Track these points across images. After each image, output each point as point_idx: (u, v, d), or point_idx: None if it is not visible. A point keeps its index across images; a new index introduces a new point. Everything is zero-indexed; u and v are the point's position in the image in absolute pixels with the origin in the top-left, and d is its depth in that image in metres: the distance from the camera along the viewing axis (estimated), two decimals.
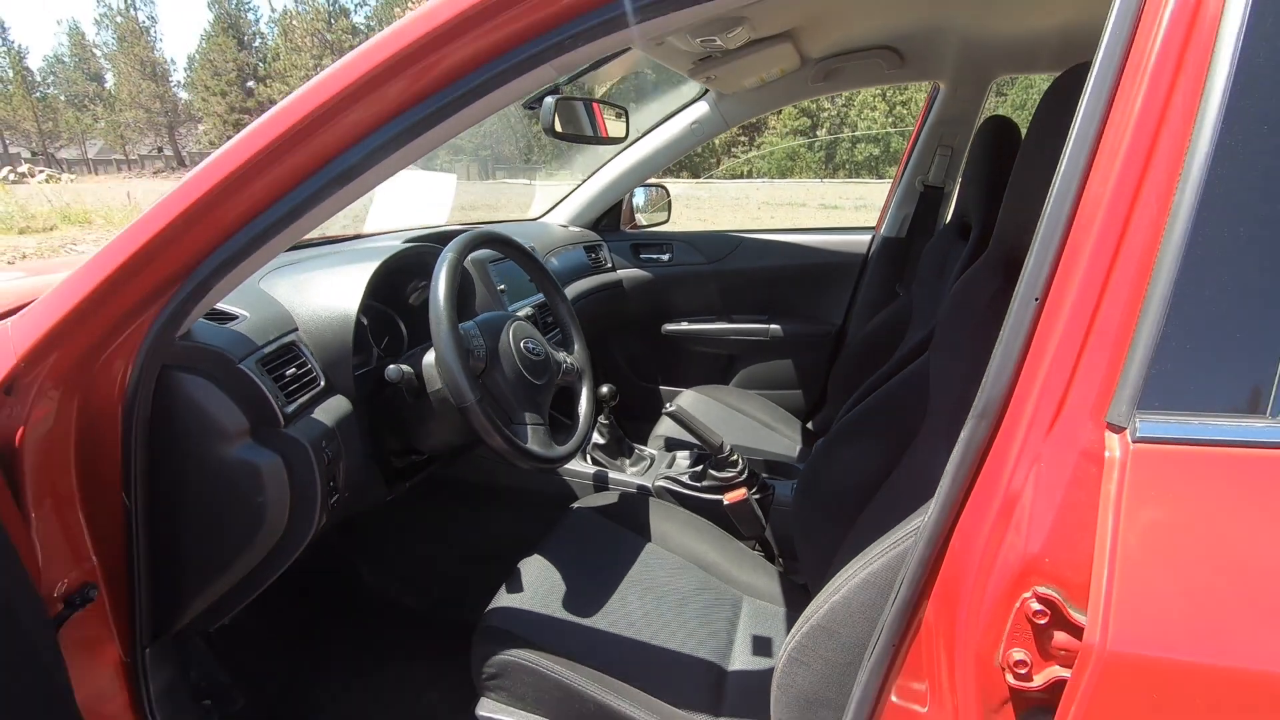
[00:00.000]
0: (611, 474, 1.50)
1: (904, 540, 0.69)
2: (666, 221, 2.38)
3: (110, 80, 44.32)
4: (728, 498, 1.36)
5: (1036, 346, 0.53)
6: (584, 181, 2.19)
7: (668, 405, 1.48)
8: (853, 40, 1.59)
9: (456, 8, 0.67)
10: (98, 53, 44.16)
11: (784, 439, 1.89)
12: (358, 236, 1.57)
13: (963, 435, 0.56)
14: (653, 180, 2.23)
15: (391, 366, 1.04)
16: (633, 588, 1.15)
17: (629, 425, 1.69)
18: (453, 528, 1.56)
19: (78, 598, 0.85)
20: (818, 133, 32.86)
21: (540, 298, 1.56)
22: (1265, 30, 0.47)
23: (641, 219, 2.31)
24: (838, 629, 0.78)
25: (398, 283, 1.25)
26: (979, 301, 0.91)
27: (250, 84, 42.37)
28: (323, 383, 1.01)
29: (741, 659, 1.10)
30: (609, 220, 2.25)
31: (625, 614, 1.09)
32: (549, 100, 1.26)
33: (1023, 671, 0.52)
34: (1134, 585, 0.45)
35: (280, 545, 0.93)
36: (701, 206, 14.14)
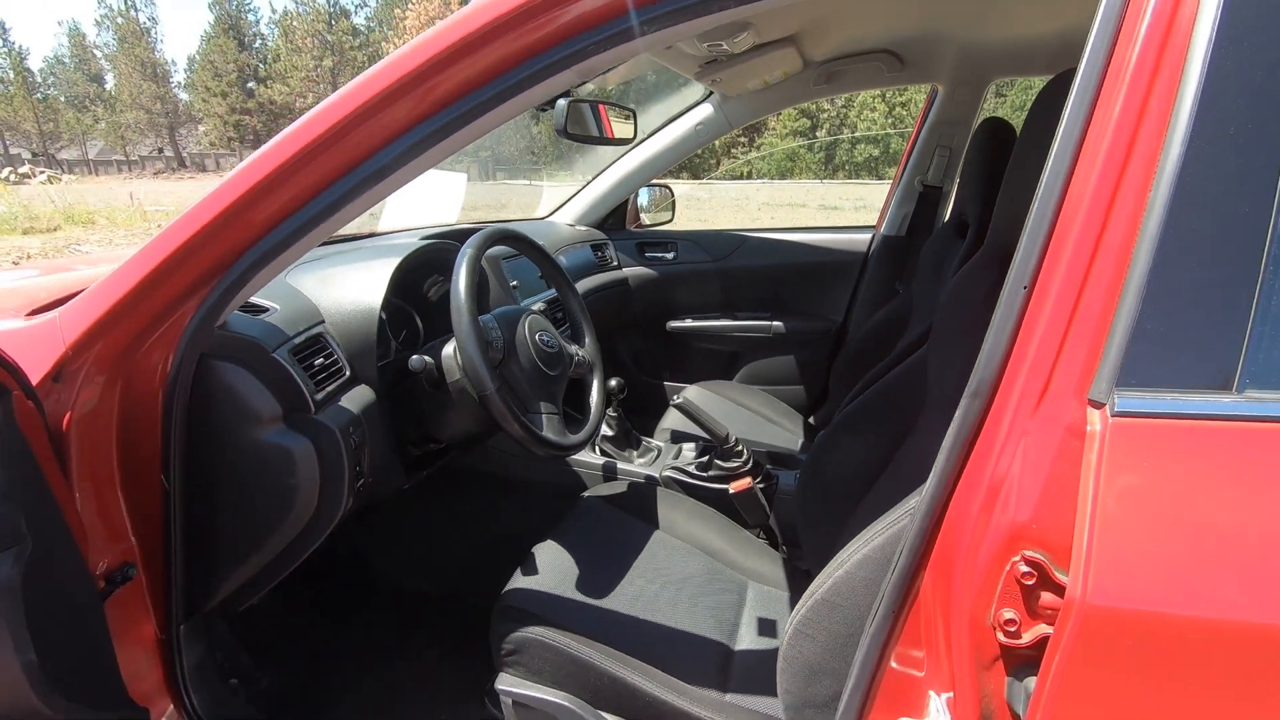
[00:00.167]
0: (620, 465, 1.55)
1: (903, 519, 0.74)
2: (671, 221, 2.43)
3: (111, 81, 44.38)
4: (733, 487, 1.41)
5: (1025, 330, 0.57)
6: (590, 181, 2.23)
7: (674, 398, 1.52)
8: (854, 44, 1.64)
9: (485, 18, 0.72)
10: (98, 54, 44.22)
11: (786, 433, 1.93)
12: (373, 235, 1.61)
13: (957, 414, 0.61)
14: (657, 180, 2.27)
15: (414, 357, 1.09)
16: (642, 572, 1.20)
17: (635, 419, 1.74)
18: (465, 517, 1.61)
19: (118, 575, 0.90)
20: (817, 134, 32.92)
21: (551, 293, 1.61)
22: (1232, 43, 0.51)
23: (646, 218, 2.36)
24: (841, 602, 0.82)
25: (416, 279, 1.30)
26: (975, 296, 0.96)
27: (251, 85, 42.41)
28: (348, 372, 1.05)
29: (747, 639, 1.14)
30: (615, 219, 2.30)
31: (635, 596, 1.13)
32: (561, 103, 1.30)
33: (1012, 630, 0.57)
34: (1111, 545, 0.49)
35: (309, 526, 0.97)
36: (702, 207, 14.19)
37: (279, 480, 0.92)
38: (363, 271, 1.15)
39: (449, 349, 1.13)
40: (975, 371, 0.59)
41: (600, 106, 1.47)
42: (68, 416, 0.83)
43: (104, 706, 0.74)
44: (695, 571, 1.26)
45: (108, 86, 44.70)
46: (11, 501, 0.63)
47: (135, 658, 0.94)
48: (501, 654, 1.01)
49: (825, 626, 0.84)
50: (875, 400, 1.22)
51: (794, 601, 1.31)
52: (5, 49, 41.90)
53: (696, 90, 2.00)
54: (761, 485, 1.43)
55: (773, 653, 0.92)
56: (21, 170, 26.90)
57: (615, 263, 2.24)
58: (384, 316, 1.16)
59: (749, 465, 1.45)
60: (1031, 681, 0.55)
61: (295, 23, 41.41)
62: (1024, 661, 0.58)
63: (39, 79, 44.92)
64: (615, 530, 1.30)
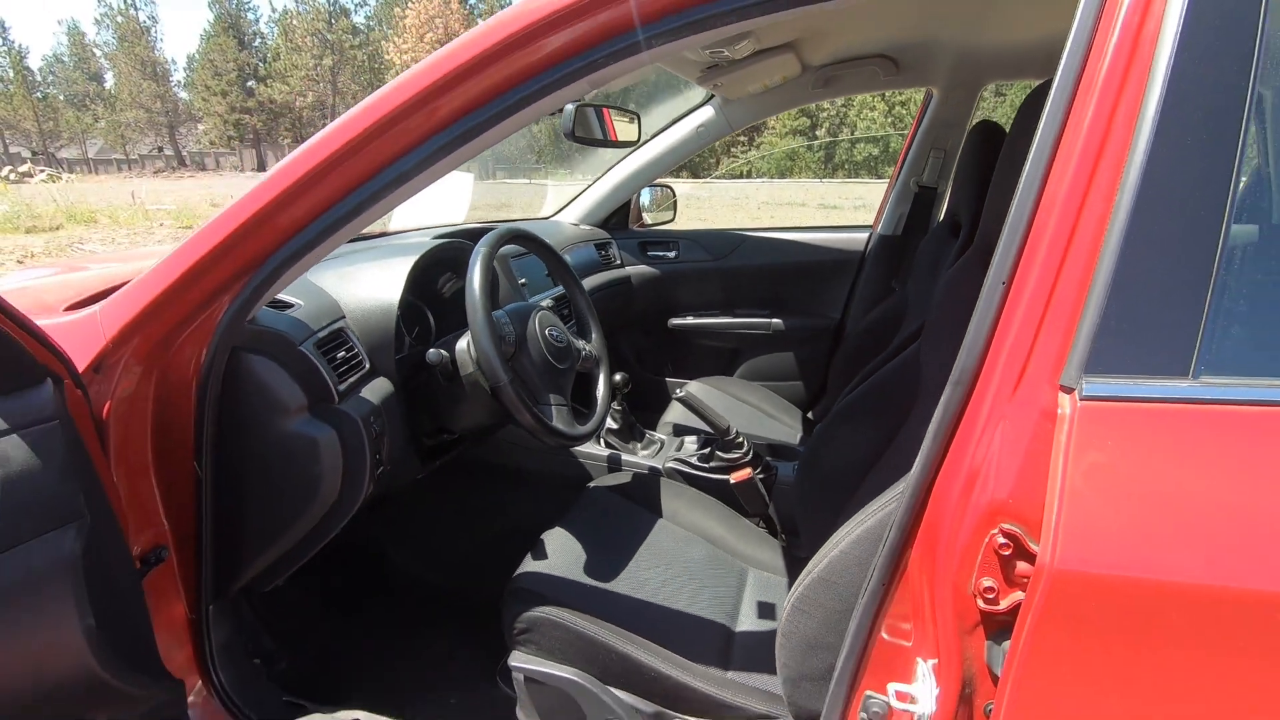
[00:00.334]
0: (624, 456, 1.60)
1: (894, 501, 0.79)
2: (673, 220, 2.48)
3: (110, 80, 44.39)
4: (734, 477, 1.46)
5: (1003, 322, 0.62)
6: (594, 182, 2.28)
7: (676, 391, 1.58)
8: (851, 50, 1.69)
9: (500, 34, 0.77)
10: (98, 52, 44.22)
11: (785, 427, 1.98)
12: (384, 234, 1.66)
13: (941, 400, 0.66)
14: (659, 181, 2.33)
15: (431, 351, 1.14)
16: (646, 558, 1.25)
17: (638, 414, 1.79)
18: (475, 508, 1.66)
19: (151, 557, 0.95)
20: (817, 133, 32.97)
21: (559, 290, 1.66)
22: (1191, 60, 0.56)
23: (648, 218, 2.41)
24: (836, 580, 0.88)
25: (430, 276, 1.35)
26: (965, 292, 1.01)
27: (250, 84, 42.42)
28: (368, 365, 1.10)
29: (747, 621, 1.19)
30: (618, 219, 2.35)
31: (640, 580, 1.18)
32: (569, 108, 1.35)
33: (991, 597, 0.62)
34: (1077, 516, 0.54)
35: (332, 511, 1.02)
36: (702, 206, 14.24)
37: (305, 467, 0.97)
38: (380, 269, 1.20)
39: (463, 343, 1.18)
40: (958, 361, 0.65)
41: (605, 110, 1.52)
42: (107, 406, 0.88)
43: (149, 675, 0.79)
44: (698, 558, 1.31)
45: (107, 85, 44.71)
46: (72, 481, 0.68)
47: (167, 636, 0.99)
48: (514, 633, 1.07)
49: (821, 603, 0.89)
50: (871, 394, 1.27)
51: (792, 586, 1.36)
52: (5, 48, 41.89)
53: (698, 93, 2.05)
54: (761, 476, 1.48)
55: (772, 633, 0.97)
56: (21, 169, 26.92)
57: (618, 261, 2.29)
58: (399, 312, 1.21)
59: (749, 457, 1.50)
60: (1009, 644, 0.60)
61: (295, 21, 41.44)
62: (1002, 626, 0.63)
63: (39, 78, 44.92)
64: (621, 519, 1.35)
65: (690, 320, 2.34)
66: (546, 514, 1.29)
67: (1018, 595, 0.61)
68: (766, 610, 1.23)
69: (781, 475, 1.53)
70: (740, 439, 1.51)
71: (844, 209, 14.67)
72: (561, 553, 1.19)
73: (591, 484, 1.44)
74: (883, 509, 0.83)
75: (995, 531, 0.61)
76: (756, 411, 2.02)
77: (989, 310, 0.63)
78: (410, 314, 1.38)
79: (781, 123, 31.81)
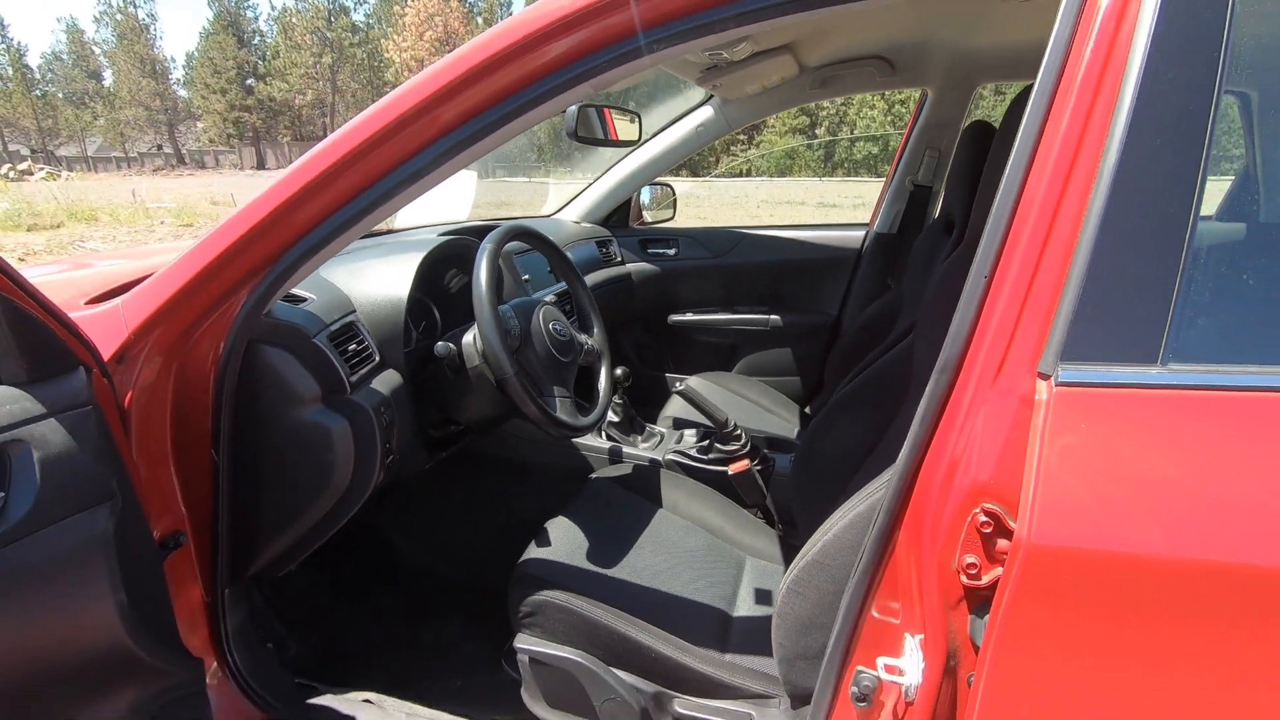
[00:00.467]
0: (625, 449, 1.64)
1: (884, 486, 0.83)
2: (672, 218, 2.52)
3: (109, 78, 44.36)
4: (732, 468, 1.50)
5: (985, 314, 0.66)
6: (595, 180, 2.32)
7: (675, 385, 1.61)
8: (847, 51, 1.72)
9: (507, 40, 0.80)
10: (97, 50, 44.20)
11: (783, 421, 2.02)
12: (390, 231, 1.70)
13: (927, 388, 0.70)
14: (659, 179, 2.36)
15: (440, 343, 1.17)
16: (647, 546, 1.28)
17: (639, 409, 1.83)
18: (480, 499, 1.69)
19: (170, 542, 0.98)
20: (817, 131, 32.99)
21: (561, 286, 1.70)
22: (1160, 68, 0.60)
23: (649, 216, 2.45)
24: (829, 562, 0.91)
25: (437, 272, 1.38)
26: (956, 287, 1.04)
27: (250, 82, 42.39)
28: (378, 358, 1.14)
29: (745, 606, 1.23)
30: (618, 217, 2.38)
31: (641, 567, 1.22)
32: (571, 108, 1.39)
33: (973, 572, 0.66)
34: (1052, 494, 0.58)
35: (344, 499, 1.06)
36: (702, 205, 14.26)
37: (319, 455, 1.00)
38: (389, 265, 1.24)
39: (469, 337, 1.21)
40: (943, 350, 0.68)
41: (606, 111, 1.56)
42: (129, 395, 0.91)
43: (173, 652, 0.83)
44: (697, 546, 1.35)
45: (106, 83, 44.68)
46: (105, 463, 0.71)
47: (184, 618, 1.03)
48: (519, 616, 1.10)
49: (815, 585, 0.93)
50: (865, 386, 1.31)
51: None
52: (4, 45, 41.85)
53: (698, 93, 2.08)
54: (759, 467, 1.52)
55: (768, 619, 1.00)
56: (21, 167, 26.93)
57: (619, 259, 2.32)
58: (407, 307, 1.25)
59: (747, 449, 1.54)
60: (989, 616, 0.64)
61: (294, 19, 41.40)
62: (984, 601, 0.67)
63: (38, 75, 44.88)
64: (622, 509, 1.39)
65: (690, 317, 2.38)
66: (550, 505, 1.33)
67: (998, 571, 0.65)
68: (763, 597, 1.27)
69: (778, 467, 1.57)
70: (738, 431, 1.55)
71: (843, 207, 14.70)
72: (565, 540, 1.22)
73: (593, 475, 1.48)
74: (873, 494, 0.86)
75: (977, 511, 0.64)
76: (755, 406, 2.06)
77: (972, 302, 0.67)
78: (417, 309, 1.41)
79: (781, 121, 31.82)
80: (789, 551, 1.42)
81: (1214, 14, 0.60)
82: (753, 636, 1.15)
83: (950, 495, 0.66)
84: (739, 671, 1.07)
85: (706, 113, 2.08)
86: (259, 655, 1.14)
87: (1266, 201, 0.99)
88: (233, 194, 16.83)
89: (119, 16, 41.82)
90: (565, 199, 2.37)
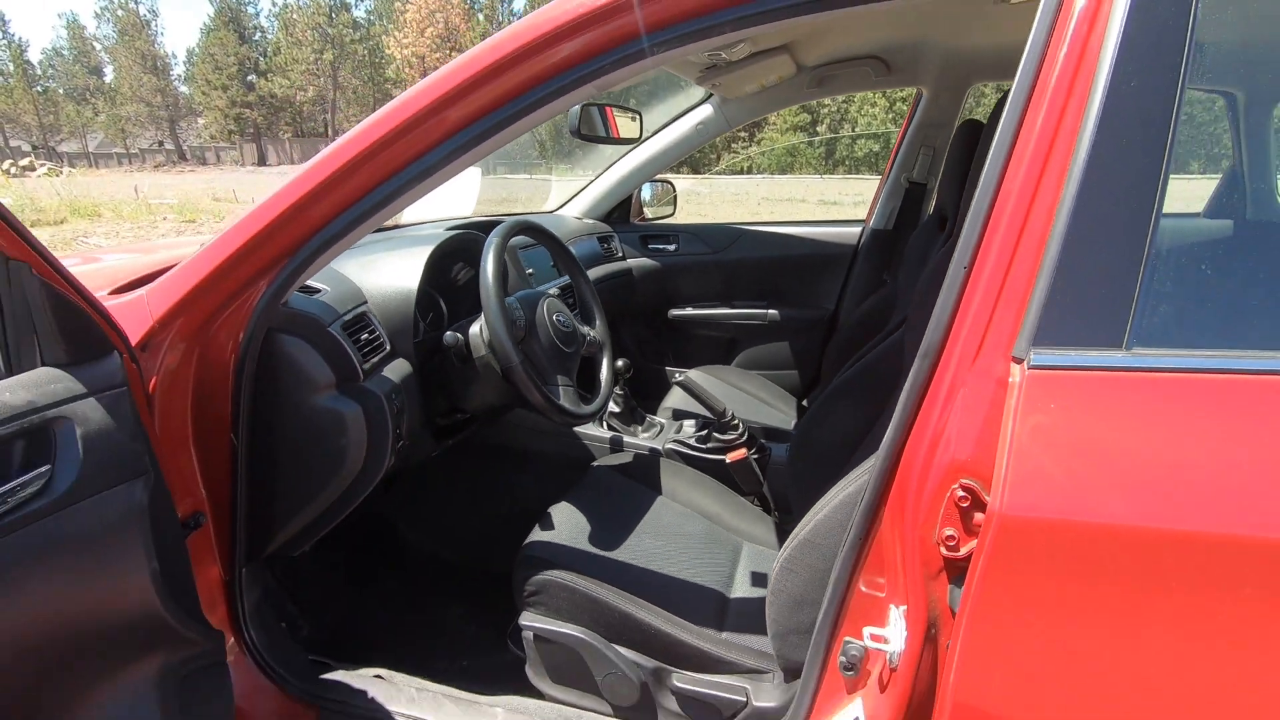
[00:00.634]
0: (626, 438, 1.68)
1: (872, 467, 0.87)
2: (673, 215, 2.56)
3: (110, 74, 44.36)
4: (729, 457, 1.54)
5: (965, 302, 0.70)
6: (597, 177, 2.36)
7: (675, 375, 1.66)
8: (843, 51, 1.76)
9: (515, 44, 0.85)
10: (98, 46, 44.18)
11: (781, 413, 2.07)
12: (398, 226, 1.74)
13: (910, 372, 0.74)
14: (660, 176, 2.40)
15: (448, 333, 1.22)
16: (647, 531, 1.33)
17: (639, 401, 1.87)
18: (484, 488, 1.74)
19: (190, 522, 1.03)
20: (818, 129, 32.97)
21: (564, 280, 1.74)
22: (1127, 73, 0.64)
23: (649, 212, 2.49)
24: (820, 541, 0.96)
25: (444, 265, 1.43)
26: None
27: (251, 78, 42.39)
28: (388, 347, 1.19)
29: (741, 589, 1.28)
30: (620, 213, 2.42)
31: (641, 550, 1.26)
32: (575, 107, 1.43)
33: (952, 544, 0.70)
34: (1023, 468, 0.62)
35: (356, 481, 1.10)
36: (702, 202, 14.28)
37: (333, 439, 1.05)
38: (400, 259, 1.28)
39: (475, 328, 1.26)
40: (925, 336, 0.73)
41: (608, 109, 1.60)
42: (153, 381, 0.96)
43: (198, 623, 0.88)
44: (695, 532, 1.39)
45: (107, 79, 44.68)
46: (140, 440, 0.76)
47: (204, 595, 1.07)
48: (524, 595, 1.15)
49: (807, 563, 0.98)
50: (860, 376, 1.35)
51: None
52: (5, 41, 41.86)
53: (697, 91, 2.12)
54: (756, 456, 1.56)
55: (763, 600, 1.05)
56: (23, 163, 26.95)
57: (620, 254, 2.37)
58: (415, 299, 1.29)
59: (744, 438, 1.58)
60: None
61: (295, 16, 41.37)
62: (962, 572, 0.71)
63: (39, 71, 44.88)
64: (623, 495, 1.43)
65: (690, 311, 2.42)
66: (552, 493, 1.37)
67: (974, 544, 0.69)
68: (759, 579, 1.31)
69: (775, 456, 1.62)
70: (736, 421, 1.59)
71: (844, 205, 14.71)
72: (568, 524, 1.27)
73: (595, 463, 1.52)
74: (862, 476, 0.91)
75: (956, 486, 0.69)
76: (753, 399, 2.10)
77: (952, 291, 0.71)
78: (424, 301, 1.46)
79: (782, 119, 31.79)
80: (784, 537, 1.46)
81: (1177, 23, 0.64)
82: (748, 616, 1.19)
83: (931, 472, 0.71)
84: (735, 648, 1.12)
85: (706, 111, 2.12)
86: (274, 633, 1.19)
87: (1226, 197, 1.03)
88: (234, 190, 16.86)
89: (120, 12, 41.81)
90: (567, 195, 2.41)
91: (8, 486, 0.62)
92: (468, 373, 1.27)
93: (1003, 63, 1.79)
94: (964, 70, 1.89)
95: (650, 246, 2.43)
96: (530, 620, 1.14)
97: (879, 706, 0.80)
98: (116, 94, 43.03)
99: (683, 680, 1.11)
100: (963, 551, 0.70)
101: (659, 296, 2.43)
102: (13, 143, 42.18)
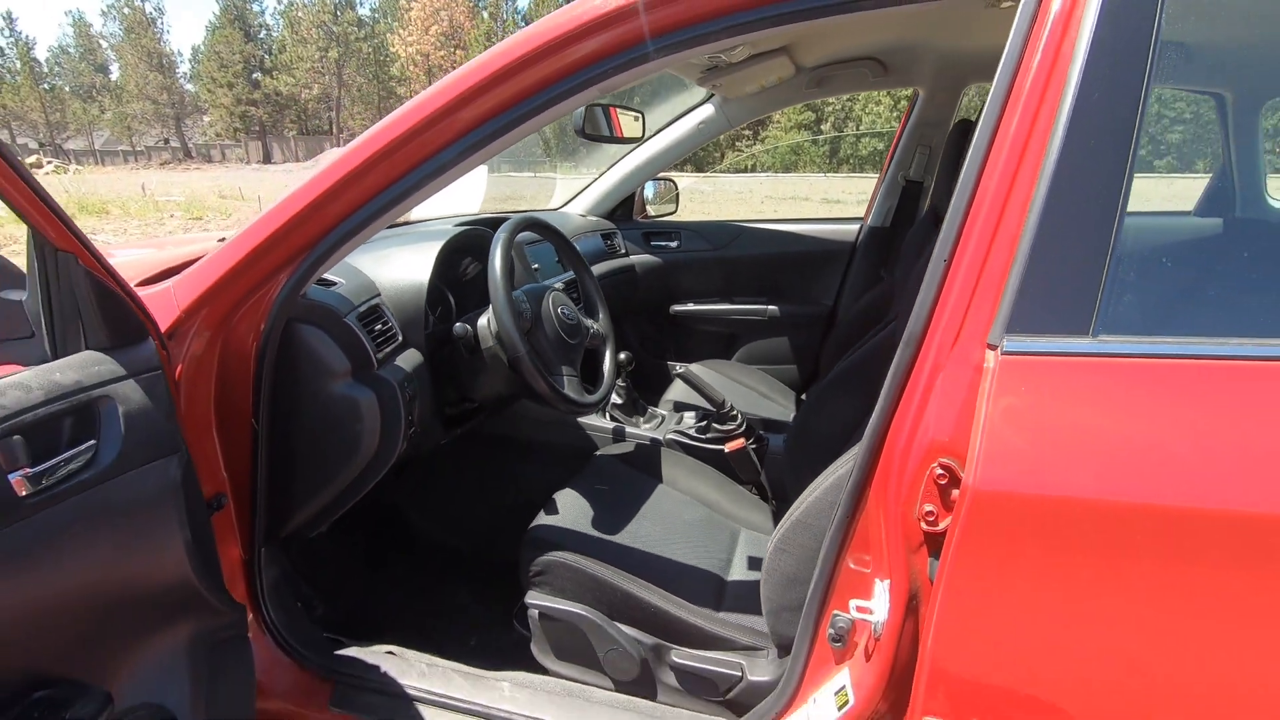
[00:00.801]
0: (628, 429, 1.74)
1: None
2: (675, 212, 2.61)
3: (116, 72, 44.56)
4: (728, 446, 1.59)
5: (944, 293, 0.75)
6: (600, 175, 2.41)
7: (677, 369, 1.71)
8: (841, 52, 1.81)
9: (524, 49, 0.89)
10: (104, 44, 44.39)
11: (779, 406, 2.12)
12: (408, 223, 1.80)
13: (895, 359, 0.79)
14: (662, 174, 2.45)
15: (458, 324, 1.27)
16: (648, 517, 1.38)
17: (641, 395, 1.92)
18: (490, 478, 1.79)
19: (213, 503, 1.08)
20: (822, 127, 32.94)
21: (569, 275, 1.79)
22: (1095, 79, 0.69)
23: (652, 210, 2.54)
24: (812, 521, 1.01)
25: (453, 260, 1.48)
26: None
27: (256, 76, 42.52)
28: (400, 338, 1.24)
29: (738, 572, 1.33)
30: (623, 210, 2.47)
31: (642, 535, 1.31)
32: (579, 108, 1.48)
33: (931, 519, 0.75)
34: (994, 446, 0.67)
35: (370, 465, 1.16)
36: (706, 200, 14.31)
37: (348, 425, 1.10)
38: (411, 253, 1.34)
39: (483, 320, 1.31)
40: (908, 325, 0.78)
41: (612, 110, 1.65)
42: (179, 368, 1.01)
43: (225, 594, 0.93)
44: (694, 518, 1.44)
45: (113, 77, 44.88)
46: (174, 420, 0.81)
47: (225, 573, 1.13)
48: (529, 575, 1.20)
49: (799, 543, 1.03)
50: (854, 368, 1.40)
51: None
52: (12, 39, 42.07)
53: (699, 91, 2.17)
54: (754, 446, 1.61)
55: (759, 583, 1.10)
56: (30, 160, 27.11)
57: (623, 251, 2.42)
58: (426, 292, 1.34)
59: (742, 428, 1.63)
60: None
61: (300, 14, 41.48)
62: (941, 546, 0.76)
63: (45, 69, 45.11)
64: (625, 483, 1.48)
65: (691, 307, 2.47)
66: (557, 482, 1.42)
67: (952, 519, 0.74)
68: (755, 563, 1.36)
69: (772, 446, 1.67)
70: (734, 412, 1.64)
71: (847, 204, 14.73)
72: (572, 509, 1.32)
73: (598, 452, 1.57)
74: (851, 459, 0.96)
75: (935, 465, 0.74)
76: (753, 392, 2.15)
77: (933, 282, 0.76)
78: (434, 295, 1.51)
79: (787, 117, 31.75)
80: None
81: (1140, 33, 0.69)
82: (744, 597, 1.24)
83: (912, 452, 0.76)
84: (731, 626, 1.17)
85: (707, 110, 2.17)
86: (291, 610, 1.24)
87: (1214, 198, 1.08)
88: (240, 188, 16.95)
89: (126, 10, 41.99)
90: (571, 193, 2.46)
91: (59, 458, 0.67)
92: (476, 363, 1.33)
93: (996, 65, 1.83)
94: (959, 71, 1.94)
95: (652, 243, 2.48)
96: (535, 599, 1.19)
97: (864, 674, 0.85)
98: (122, 91, 43.22)
99: (681, 656, 1.16)
100: (941, 526, 0.75)
101: (661, 292, 2.48)
102: (20, 140, 42.40)
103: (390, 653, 1.24)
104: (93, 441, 0.71)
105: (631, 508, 1.39)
